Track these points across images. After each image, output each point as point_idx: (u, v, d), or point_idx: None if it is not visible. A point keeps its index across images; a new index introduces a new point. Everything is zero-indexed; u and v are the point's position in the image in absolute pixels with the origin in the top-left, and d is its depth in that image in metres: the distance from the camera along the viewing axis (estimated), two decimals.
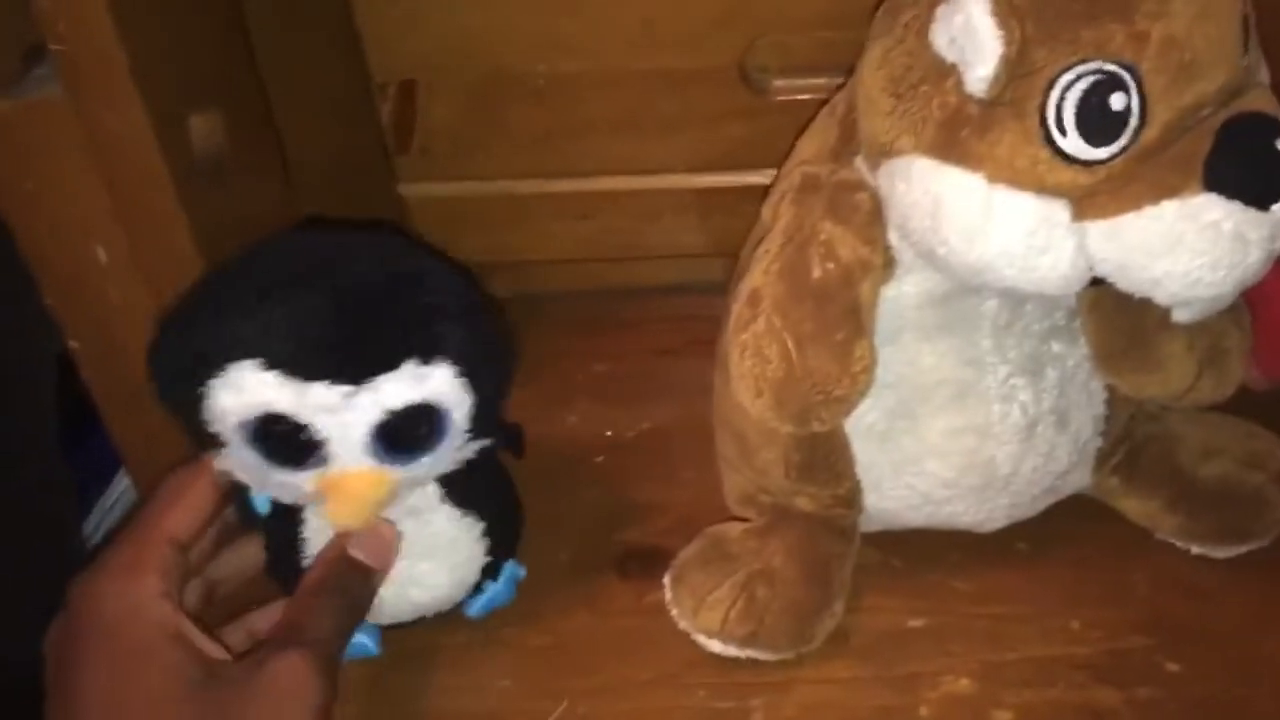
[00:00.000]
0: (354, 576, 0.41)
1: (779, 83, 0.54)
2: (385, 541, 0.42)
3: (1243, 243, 0.34)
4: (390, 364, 0.38)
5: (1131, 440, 0.48)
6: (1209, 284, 0.34)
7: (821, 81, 0.52)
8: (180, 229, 0.41)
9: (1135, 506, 0.48)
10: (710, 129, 0.56)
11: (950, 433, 0.43)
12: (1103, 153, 0.34)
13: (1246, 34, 0.35)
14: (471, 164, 0.56)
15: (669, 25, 0.52)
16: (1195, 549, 0.47)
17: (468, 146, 0.56)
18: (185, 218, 0.41)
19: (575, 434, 0.56)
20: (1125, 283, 0.35)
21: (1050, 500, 0.47)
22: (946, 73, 0.36)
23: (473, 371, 0.39)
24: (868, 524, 0.47)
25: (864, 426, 0.44)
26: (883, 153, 0.38)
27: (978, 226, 0.35)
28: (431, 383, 0.38)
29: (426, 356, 0.38)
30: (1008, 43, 0.34)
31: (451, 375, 0.39)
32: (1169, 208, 0.33)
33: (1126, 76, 0.33)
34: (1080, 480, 0.47)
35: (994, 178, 0.35)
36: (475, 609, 0.46)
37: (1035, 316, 0.42)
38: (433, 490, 0.43)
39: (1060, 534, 0.48)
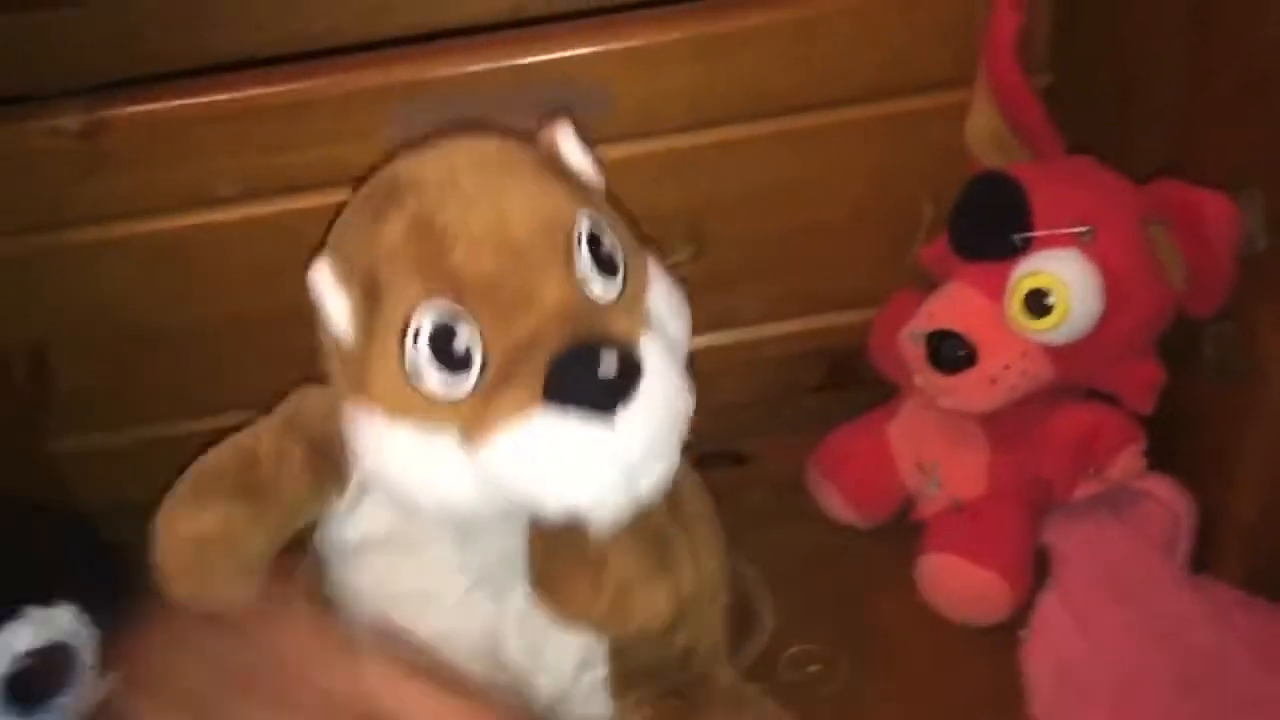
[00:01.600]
0: None
1: None
2: None
3: (592, 454, 0.37)
4: (12, 611, 0.40)
5: (661, 685, 0.48)
6: (575, 495, 0.38)
7: None
8: None
9: None
10: None
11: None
12: (460, 386, 0.38)
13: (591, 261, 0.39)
14: (115, 414, 0.58)
15: (290, 269, 0.55)
16: None
17: (108, 398, 0.57)
18: None
19: None
20: (516, 498, 0.38)
21: None
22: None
23: (94, 608, 0.42)
24: None
25: None
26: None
27: (386, 459, 0.40)
28: (56, 623, 0.40)
29: (48, 599, 0.41)
30: (347, 302, 0.39)
31: (74, 613, 0.41)
32: (522, 428, 0.37)
33: (459, 320, 0.38)
34: (596, 714, 0.48)
35: (389, 413, 0.39)
36: None
37: (496, 537, 0.45)
38: None
39: None
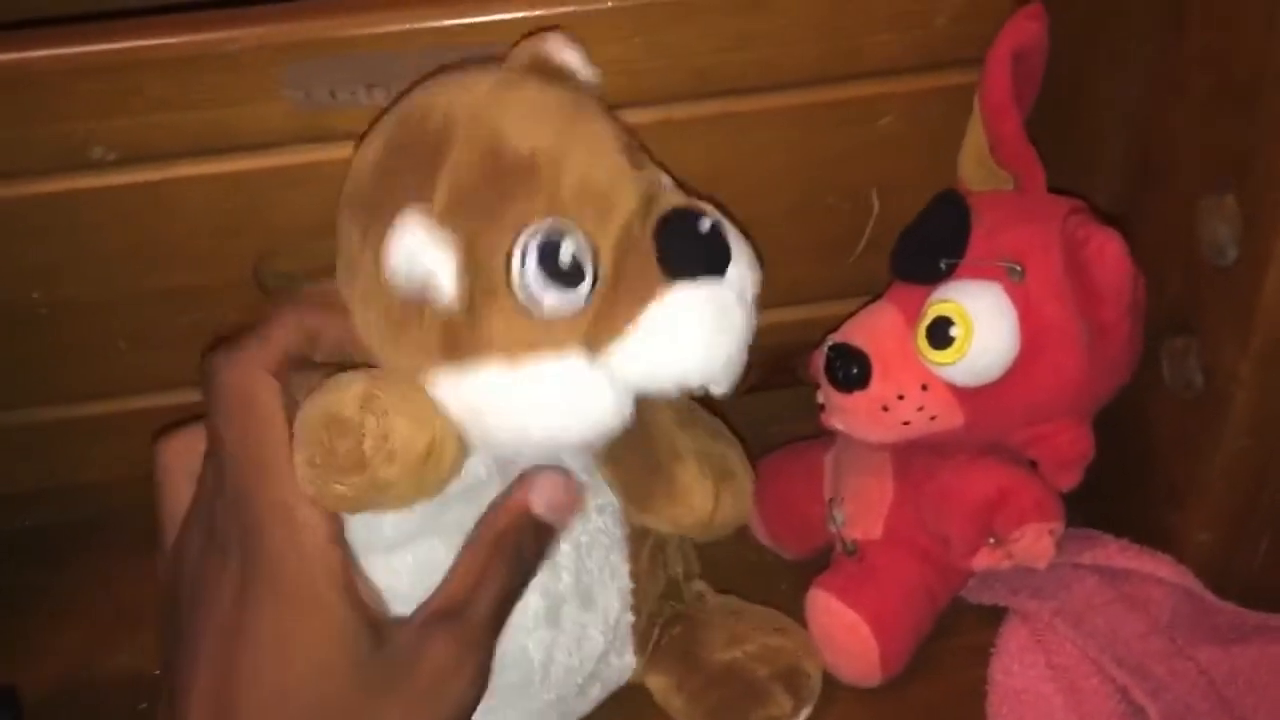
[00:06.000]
0: (531, 536, 0.39)
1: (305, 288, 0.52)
2: (569, 493, 0.40)
3: (723, 310, 0.38)
4: None
5: (664, 618, 0.49)
6: (715, 358, 0.38)
7: None
8: None
9: (653, 683, 0.49)
10: None
11: None
12: (578, 297, 0.37)
13: (635, 153, 0.40)
14: None
15: (173, 244, 0.50)
16: None
17: None
18: None
19: (123, 673, 0.53)
20: (658, 387, 0.38)
21: (600, 690, 0.47)
22: (419, 298, 0.37)
23: None
24: None
25: None
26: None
27: (521, 410, 0.37)
28: None
29: None
30: (456, 253, 0.37)
31: None
32: (653, 311, 0.37)
33: (562, 229, 0.36)
34: (626, 664, 0.48)
35: (510, 361, 0.37)
36: None
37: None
38: None
39: None
